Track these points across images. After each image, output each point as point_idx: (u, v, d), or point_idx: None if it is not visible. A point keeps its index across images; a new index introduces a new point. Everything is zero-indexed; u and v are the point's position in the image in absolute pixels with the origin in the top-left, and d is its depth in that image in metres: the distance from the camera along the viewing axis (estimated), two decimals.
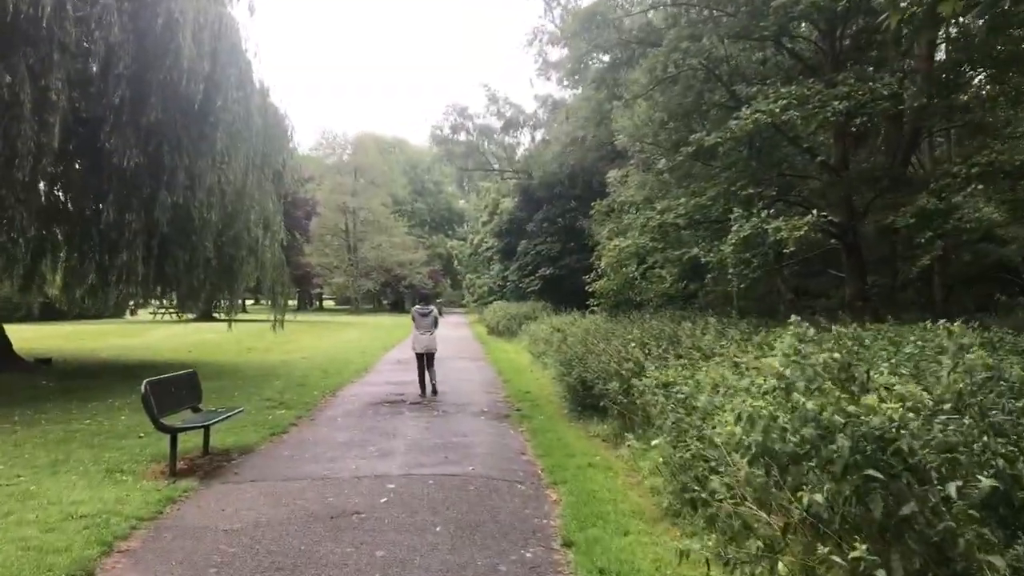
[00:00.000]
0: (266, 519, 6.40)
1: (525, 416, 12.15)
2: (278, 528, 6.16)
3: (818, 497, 3.57)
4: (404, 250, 74.62)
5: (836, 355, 4.82)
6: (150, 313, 35.28)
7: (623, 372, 9.82)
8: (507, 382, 16.96)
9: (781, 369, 4.82)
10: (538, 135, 39.06)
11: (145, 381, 7.88)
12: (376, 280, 72.68)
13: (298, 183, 54.83)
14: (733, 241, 11.62)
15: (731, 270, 11.92)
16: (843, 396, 4.04)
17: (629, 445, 8.86)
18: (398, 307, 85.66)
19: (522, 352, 24.80)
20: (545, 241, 35.95)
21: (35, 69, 11.34)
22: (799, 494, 3.68)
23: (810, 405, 3.91)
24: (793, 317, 5.64)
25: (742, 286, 11.94)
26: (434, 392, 14.26)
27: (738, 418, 4.46)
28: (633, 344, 10.64)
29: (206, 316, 47.15)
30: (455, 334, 38.31)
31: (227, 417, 8.94)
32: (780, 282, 15.92)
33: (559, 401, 13.78)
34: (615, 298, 17.23)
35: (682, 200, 13.15)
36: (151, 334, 32.28)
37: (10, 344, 17.36)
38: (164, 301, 19.91)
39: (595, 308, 17.77)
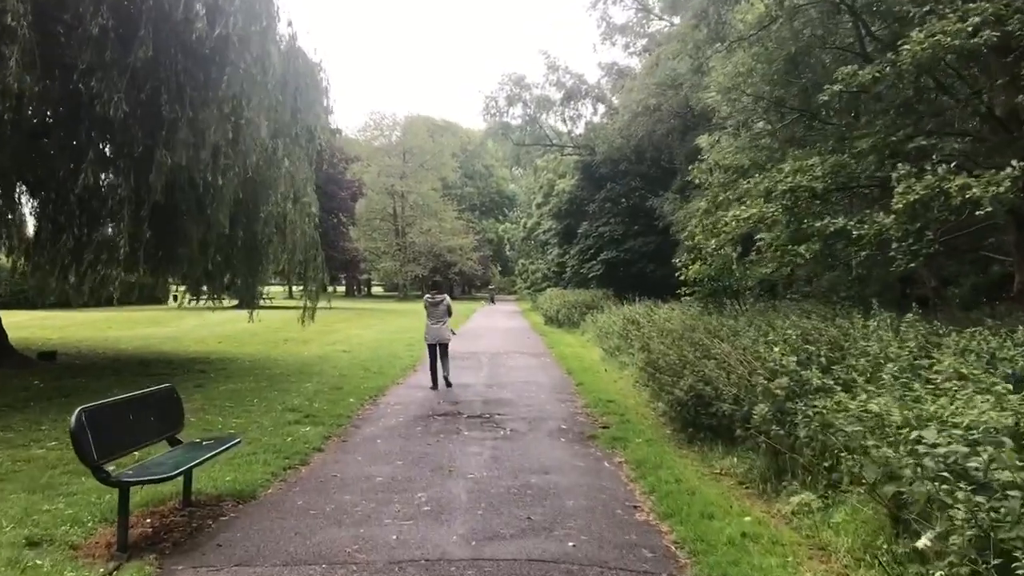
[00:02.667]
0: None
1: (617, 438, 9.31)
2: None
3: None
4: (454, 235, 72.09)
5: None
6: (189, 301, 33.29)
7: (776, 391, 6.90)
8: (581, 385, 14.13)
9: None
10: (601, 109, 35.95)
11: (79, 409, 5.20)
12: (425, 266, 70.23)
13: (340, 159, 52.69)
14: (898, 205, 8.58)
15: (894, 245, 8.92)
16: None
17: (803, 504, 6.00)
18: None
19: (589, 346, 21.94)
20: (608, 222, 32.95)
21: None
22: None
23: None
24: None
25: (911, 265, 8.90)
26: (448, 385, 13.42)
27: None
28: (778, 350, 7.71)
29: (248, 303, 45.44)
30: (509, 324, 35.59)
31: (210, 457, 6.20)
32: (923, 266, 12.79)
33: (655, 416, 10.91)
34: (711, 285, 14.25)
35: (815, 159, 10.14)
36: (182, 323, 30.15)
37: (4, 335, 15.04)
38: (177, 286, 17.37)
39: (686, 297, 14.83)
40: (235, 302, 43.55)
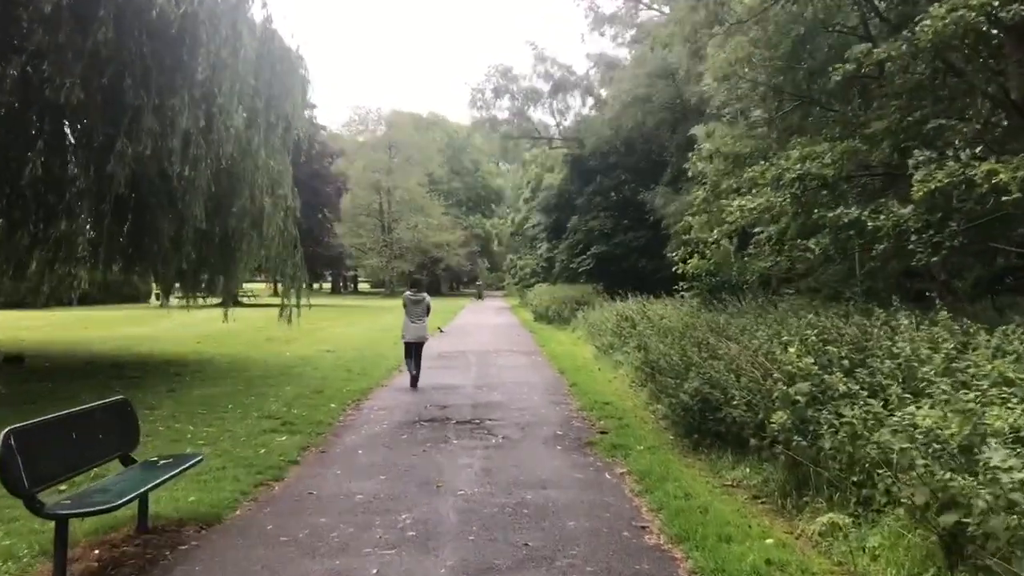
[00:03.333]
0: None
1: (617, 445, 8.66)
2: None
3: None
4: (441, 231, 71.40)
5: None
6: (176, 299, 32.34)
7: (796, 397, 6.27)
8: (575, 386, 13.49)
9: None
10: (589, 101, 35.23)
11: (6, 431, 4.49)
12: (412, 262, 69.49)
13: (324, 154, 51.62)
14: (919, 194, 7.95)
15: (913, 238, 8.29)
16: None
17: (832, 525, 5.40)
18: (434, 290, 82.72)
19: (580, 344, 21.30)
20: (597, 216, 32.29)
21: None
22: None
23: None
24: None
25: (934, 259, 8.27)
26: (413, 385, 13.13)
27: None
28: (794, 350, 7.07)
29: (233, 301, 44.59)
30: (498, 320, 34.95)
31: (165, 480, 5.50)
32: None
33: (655, 420, 10.29)
34: (709, 281, 13.60)
35: (824, 146, 9.51)
36: (163, 322, 29.29)
37: None
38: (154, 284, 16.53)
39: (684, 293, 14.19)
40: (218, 300, 43.01)
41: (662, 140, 29.29)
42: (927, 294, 13.89)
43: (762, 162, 10.22)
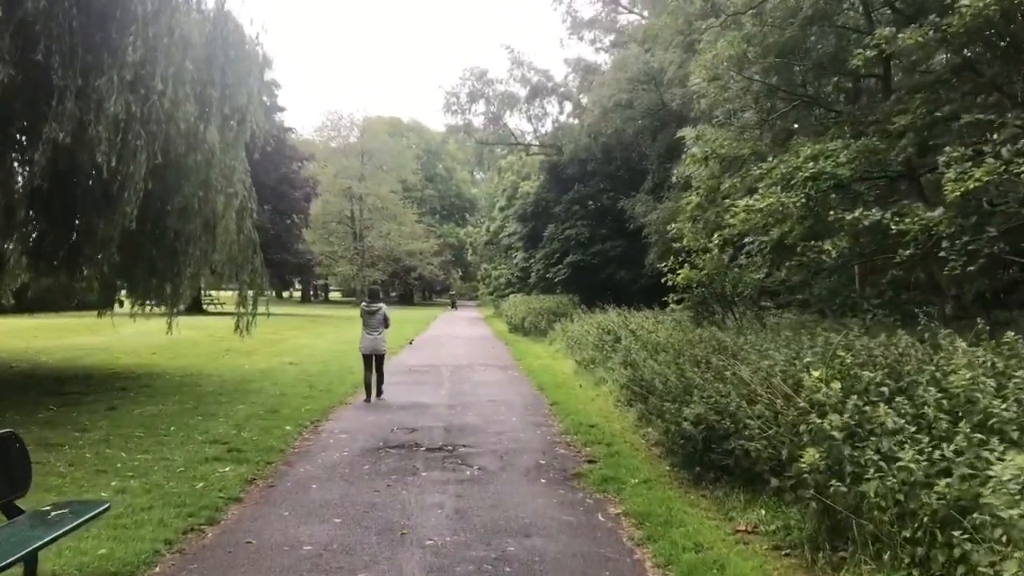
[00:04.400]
0: None
1: (608, 478, 7.63)
2: None
3: None
4: (414, 239, 70.13)
5: None
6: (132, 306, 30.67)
7: (832, 432, 5.26)
8: (556, 405, 12.46)
9: None
10: (568, 108, 34.26)
11: None
12: (384, 270, 68.14)
13: (294, 157, 50.14)
14: (953, 195, 7.02)
15: (944, 244, 7.35)
16: None
17: None
18: (407, 299, 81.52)
19: (559, 358, 20.27)
20: (575, 225, 31.35)
21: None
22: None
23: None
24: None
25: (970, 268, 7.32)
26: (379, 394, 12.80)
27: None
28: (819, 374, 6.06)
29: (196, 308, 42.89)
30: (472, 332, 33.85)
31: (54, 539, 4.35)
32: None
33: (647, 446, 9.28)
34: (700, 292, 12.62)
35: (836, 143, 8.58)
36: (121, 331, 27.70)
37: None
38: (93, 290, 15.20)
39: (674, 305, 13.21)
40: (182, 307, 41.43)
41: (642, 147, 28.45)
42: (921, 309, 13.09)
43: (770, 159, 9.28)
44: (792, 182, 8.42)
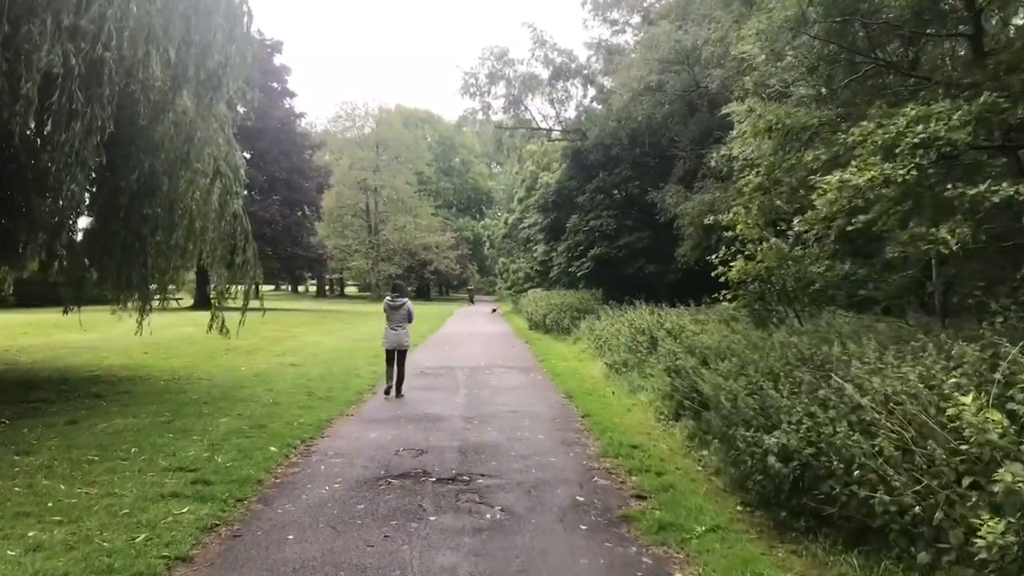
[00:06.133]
0: None
1: (667, 524, 5.97)
2: None
3: None
4: (430, 232, 68.53)
5: None
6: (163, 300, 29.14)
7: None
8: (588, 417, 10.79)
9: None
10: (591, 91, 32.33)
11: None
12: (399, 264, 66.57)
13: (302, 145, 48.49)
14: None
15: None
16: None
17: None
18: (423, 294, 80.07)
19: (586, 358, 18.58)
20: (600, 216, 29.50)
21: None
22: None
23: None
24: None
25: None
26: (398, 394, 12.42)
27: None
28: (971, 399, 4.37)
29: (206, 304, 41.38)
30: (490, 328, 32.21)
31: None
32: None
33: (705, 473, 7.63)
34: (761, 288, 10.87)
35: (942, 104, 6.85)
36: (117, 328, 26.32)
37: None
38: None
39: (727, 303, 11.46)
40: (189, 302, 39.89)
41: (671, 133, 26.58)
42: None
43: (863, 124, 7.53)
44: (898, 149, 6.69)
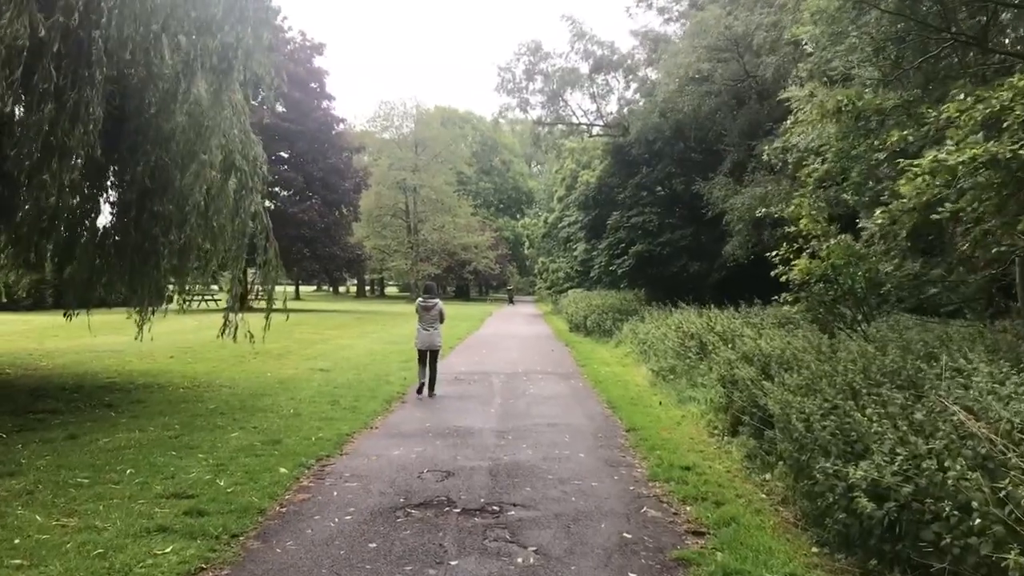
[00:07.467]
0: None
1: (731, 572, 5.01)
2: None
3: None
4: (469, 232, 67.87)
5: None
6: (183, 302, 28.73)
7: None
8: (633, 431, 9.82)
9: None
10: (633, 84, 31.16)
11: None
12: (438, 264, 65.98)
13: (340, 146, 47.95)
14: None
15: None
16: None
17: None
18: (463, 294, 79.51)
19: (629, 364, 17.57)
20: (642, 212, 28.40)
21: None
22: None
23: None
24: None
25: None
26: (430, 394, 12.63)
27: None
28: None
29: (241, 306, 40.99)
30: (529, 330, 31.30)
31: None
32: None
33: (771, 502, 6.62)
34: (827, 289, 9.78)
35: None
36: (151, 330, 25.93)
37: None
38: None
39: (787, 305, 10.39)
40: (224, 304, 39.62)
41: (718, 127, 25.37)
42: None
43: (960, 98, 6.47)
44: (1006, 124, 5.64)
